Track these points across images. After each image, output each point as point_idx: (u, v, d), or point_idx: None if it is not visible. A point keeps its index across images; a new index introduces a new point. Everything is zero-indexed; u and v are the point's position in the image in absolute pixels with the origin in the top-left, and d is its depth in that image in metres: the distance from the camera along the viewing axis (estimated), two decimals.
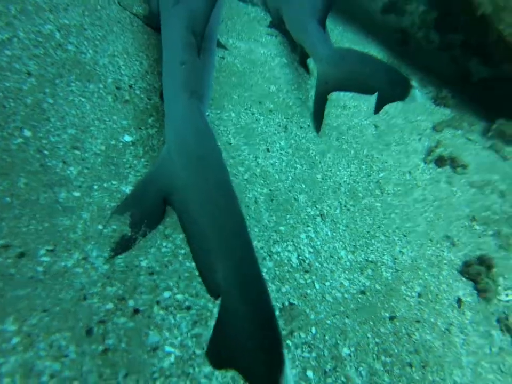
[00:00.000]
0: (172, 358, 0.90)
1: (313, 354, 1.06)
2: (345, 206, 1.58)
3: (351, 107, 2.24)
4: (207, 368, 0.92)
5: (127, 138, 1.35)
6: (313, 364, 1.04)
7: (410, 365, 1.15)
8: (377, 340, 1.17)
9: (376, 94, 1.57)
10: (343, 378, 1.04)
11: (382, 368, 1.10)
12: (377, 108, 1.58)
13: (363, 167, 1.84)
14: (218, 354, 0.56)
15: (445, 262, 1.57)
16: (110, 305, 0.92)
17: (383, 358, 1.14)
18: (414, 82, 1.37)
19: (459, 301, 1.46)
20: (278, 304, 1.12)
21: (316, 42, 1.86)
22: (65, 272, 0.94)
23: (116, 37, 1.68)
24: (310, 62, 2.27)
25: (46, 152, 1.15)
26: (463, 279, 1.55)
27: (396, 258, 1.47)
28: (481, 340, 1.36)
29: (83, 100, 1.35)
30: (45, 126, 1.20)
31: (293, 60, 2.44)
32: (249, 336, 0.55)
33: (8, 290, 0.86)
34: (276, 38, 2.60)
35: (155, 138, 1.41)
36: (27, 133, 1.15)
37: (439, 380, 1.15)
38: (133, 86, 1.55)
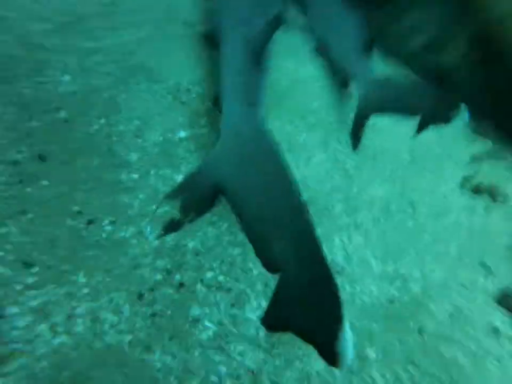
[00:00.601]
0: (210, 332, 0.97)
1: None
2: (378, 220, 1.62)
3: (387, 130, 2.30)
4: (241, 346, 0.98)
5: (182, 133, 1.48)
6: None
7: (439, 380, 1.15)
8: (403, 348, 1.18)
9: (418, 116, 1.63)
10: (368, 379, 1.06)
11: (407, 377, 1.11)
12: (420, 129, 1.63)
13: (397, 186, 1.88)
14: (276, 319, 0.62)
15: (480, 288, 1.55)
16: (159, 276, 1.01)
17: (409, 367, 1.14)
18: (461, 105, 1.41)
19: (496, 330, 1.43)
20: None
21: (357, 70, 1.98)
22: (123, 242, 1.05)
23: (179, 49, 1.86)
24: (351, 87, 2.37)
25: (114, 138, 1.29)
26: (501, 308, 1.52)
27: (425, 275, 1.48)
28: None
29: (149, 96, 1.51)
30: (116, 116, 1.36)
31: (333, 83, 2.55)
32: (309, 298, 0.60)
33: (80, 249, 0.97)
34: (319, 62, 2.74)
35: (206, 138, 1.53)
36: (102, 120, 1.30)
37: None
38: (190, 90, 1.71)
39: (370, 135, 2.16)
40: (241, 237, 1.22)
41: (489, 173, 2.27)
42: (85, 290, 0.91)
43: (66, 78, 1.39)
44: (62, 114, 1.27)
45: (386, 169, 1.96)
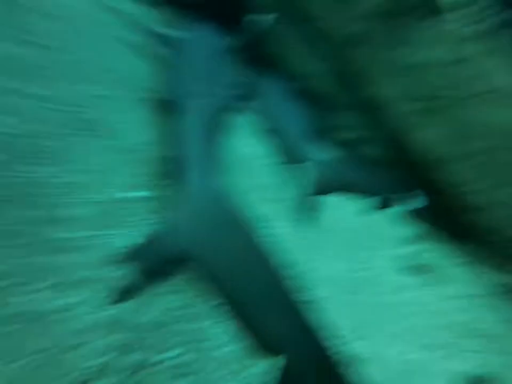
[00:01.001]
0: None
1: None
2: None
3: (333, 206, 2.44)
4: None
5: (140, 193, 1.36)
6: None
7: None
8: None
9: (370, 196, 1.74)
10: None
11: None
12: (381, 208, 1.73)
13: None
14: None
15: None
16: (110, 356, 0.78)
17: None
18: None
19: None
20: None
21: (311, 150, 2.17)
22: (61, 312, 0.81)
23: (135, 111, 1.84)
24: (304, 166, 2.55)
25: (58, 190, 1.11)
26: None
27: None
28: None
29: (103, 152, 1.39)
30: (63, 166, 1.20)
31: (285, 161, 2.72)
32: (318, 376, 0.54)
33: None
34: (263, 141, 2.94)
35: (165, 200, 1.43)
36: (45, 169, 1.13)
37: None
38: (146, 150, 1.64)
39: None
40: (207, 308, 1.05)
41: (424, 254, 2.47)
42: None
43: (12, 120, 1.23)
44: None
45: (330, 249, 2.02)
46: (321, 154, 2.09)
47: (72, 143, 1.31)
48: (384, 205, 1.64)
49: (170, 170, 1.63)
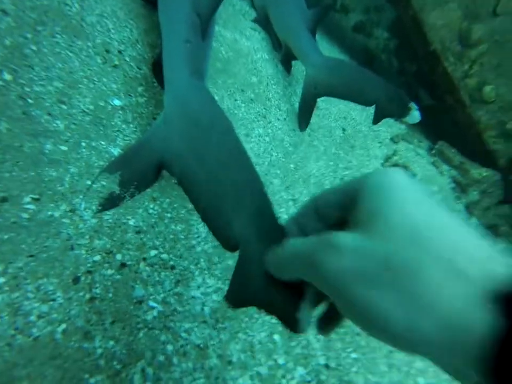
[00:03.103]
0: (155, 312, 0.94)
1: None
2: (313, 195, 1.72)
3: (322, 108, 2.40)
4: (187, 324, 0.98)
5: (117, 102, 1.34)
6: (280, 329, 1.15)
7: None
8: None
9: (365, 104, 1.67)
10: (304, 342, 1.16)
11: None
12: (376, 120, 1.67)
13: (330, 163, 2.00)
14: (240, 296, 0.61)
15: None
16: (97, 257, 0.93)
17: None
18: (413, 104, 1.48)
19: None
20: None
21: (306, 49, 1.96)
22: (52, 222, 0.93)
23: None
24: (295, 64, 2.38)
25: (29, 100, 1.10)
26: None
27: None
28: None
29: (70, 54, 1.31)
30: (28, 74, 1.15)
31: (274, 57, 2.54)
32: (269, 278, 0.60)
33: None
34: (260, 34, 2.68)
35: (144, 107, 1.41)
36: (7, 76, 1.09)
37: None
38: (122, 52, 1.53)
39: None
40: (184, 212, 1.18)
41: (403, 154, 2.56)
42: (1, 280, 0.79)
43: None
44: None
45: (321, 146, 2.07)
46: (319, 52, 1.90)
47: (30, 41, 1.21)
48: (399, 115, 1.55)
49: (151, 73, 1.56)
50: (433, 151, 2.89)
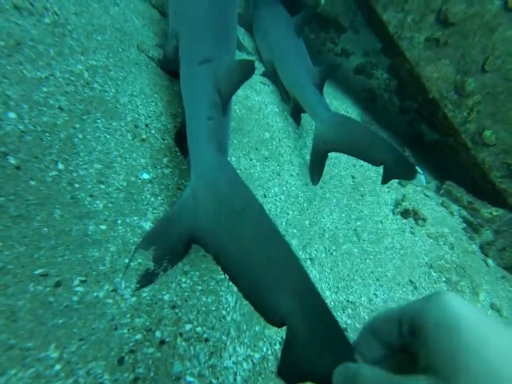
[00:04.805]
0: None
1: None
2: (329, 251, 1.79)
3: (332, 158, 2.53)
4: None
5: (145, 175, 1.47)
6: None
7: None
8: None
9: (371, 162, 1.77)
10: None
11: None
12: (385, 181, 1.75)
13: (343, 215, 2.09)
14: (292, 372, 0.66)
15: None
16: (138, 336, 1.01)
17: None
18: (418, 168, 1.59)
19: None
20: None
21: (314, 104, 2.10)
22: (97, 303, 1.02)
23: (134, 78, 1.82)
24: (303, 116, 2.54)
25: (76, 185, 1.24)
26: None
27: (371, 300, 1.69)
28: None
29: (108, 136, 1.46)
30: (75, 160, 1.29)
31: (283, 109, 2.71)
32: (321, 347, 0.63)
33: (48, 318, 0.92)
34: (269, 87, 2.88)
35: (170, 178, 1.54)
36: (60, 166, 1.23)
37: None
38: (149, 125, 1.69)
39: None
40: (213, 284, 1.27)
41: (412, 197, 2.64)
42: (57, 367, 0.86)
43: (11, 115, 1.27)
44: (12, 160, 1.17)
45: (333, 198, 2.17)
46: (328, 107, 2.04)
47: (77, 131, 1.37)
48: (406, 178, 1.63)
49: (174, 143, 1.70)
50: (442, 192, 2.97)
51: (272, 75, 2.93)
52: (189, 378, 1.01)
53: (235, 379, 1.09)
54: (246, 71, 1.43)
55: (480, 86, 2.53)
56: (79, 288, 1.02)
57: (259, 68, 3.06)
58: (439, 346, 0.40)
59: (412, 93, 3.11)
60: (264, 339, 1.25)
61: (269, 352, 1.22)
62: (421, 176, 1.55)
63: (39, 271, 0.99)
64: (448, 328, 0.41)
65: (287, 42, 2.73)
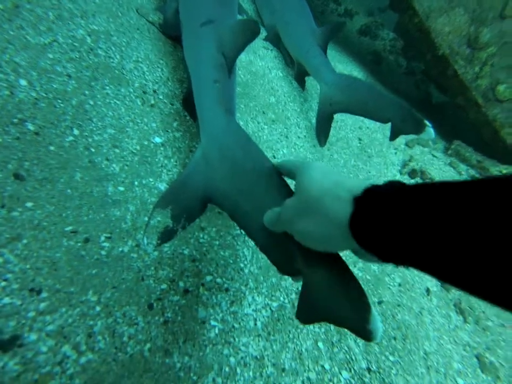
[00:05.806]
0: (217, 330, 1.09)
1: (322, 330, 1.29)
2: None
3: (338, 120, 2.52)
4: (244, 338, 1.12)
5: (157, 139, 1.49)
6: (323, 337, 1.28)
7: (394, 338, 1.43)
8: None
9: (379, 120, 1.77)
10: (346, 348, 1.28)
11: None
12: (393, 137, 1.74)
13: (351, 175, 2.12)
14: (308, 314, 0.73)
15: None
16: (164, 286, 1.08)
17: None
18: (427, 121, 1.58)
19: (427, 290, 1.78)
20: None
21: (319, 67, 2.07)
22: (124, 257, 1.09)
23: (138, 44, 1.80)
24: (308, 79, 2.51)
25: (92, 149, 1.27)
26: None
27: None
28: (443, 319, 1.69)
29: (118, 102, 1.47)
30: (89, 126, 1.32)
31: (287, 74, 2.68)
32: (337, 292, 0.69)
33: (83, 269, 0.99)
34: (272, 52, 2.82)
35: (181, 141, 1.57)
36: (76, 132, 1.26)
37: (414, 349, 1.44)
38: (157, 91, 1.69)
39: None
40: (230, 239, 1.33)
41: (419, 158, 2.65)
42: (98, 308, 0.95)
43: (22, 83, 1.29)
44: (30, 127, 1.20)
45: (341, 159, 2.19)
46: (332, 69, 2.02)
47: (88, 97, 1.38)
48: (415, 132, 1.62)
49: (182, 108, 1.71)
50: (450, 152, 2.96)
51: (274, 40, 2.86)
52: (213, 322, 1.09)
53: (255, 324, 1.17)
54: (250, 31, 1.39)
55: (497, 35, 2.45)
56: (106, 244, 1.08)
57: (261, 32, 2.99)
58: (298, 179, 0.69)
59: (421, 51, 3.03)
60: (281, 289, 1.32)
61: (286, 301, 1.30)
62: (430, 129, 1.55)
63: (69, 228, 1.05)
64: (306, 166, 0.69)
65: (289, 3, 2.65)
